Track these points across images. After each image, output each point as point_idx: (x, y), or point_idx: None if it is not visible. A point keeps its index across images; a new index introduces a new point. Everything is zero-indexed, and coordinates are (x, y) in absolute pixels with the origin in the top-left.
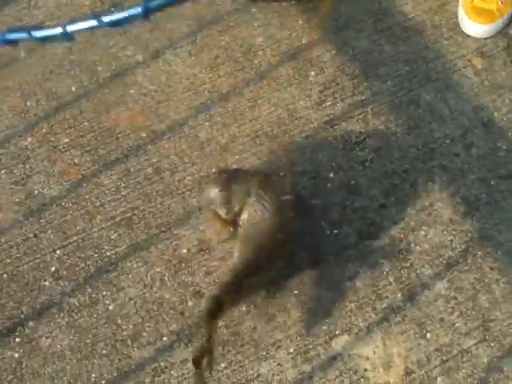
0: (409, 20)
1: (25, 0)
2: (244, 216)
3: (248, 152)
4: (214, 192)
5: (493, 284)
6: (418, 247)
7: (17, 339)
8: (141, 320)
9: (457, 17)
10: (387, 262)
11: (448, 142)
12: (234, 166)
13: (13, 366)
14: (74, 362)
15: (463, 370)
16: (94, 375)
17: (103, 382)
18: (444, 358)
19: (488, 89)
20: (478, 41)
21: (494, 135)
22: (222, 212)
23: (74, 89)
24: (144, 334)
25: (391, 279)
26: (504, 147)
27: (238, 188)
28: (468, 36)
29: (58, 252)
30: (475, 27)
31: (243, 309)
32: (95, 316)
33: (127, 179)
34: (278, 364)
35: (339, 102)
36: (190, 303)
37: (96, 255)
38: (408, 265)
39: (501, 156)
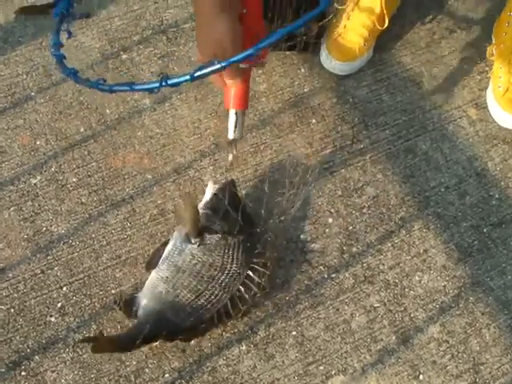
0: (407, 71)
1: (38, 41)
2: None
3: (249, 197)
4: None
5: (484, 328)
6: (412, 292)
7: (22, 373)
8: (144, 357)
9: (453, 69)
10: (382, 305)
11: (443, 190)
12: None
13: None
14: None
15: None
16: None
17: None
18: None
19: (482, 139)
20: (473, 92)
21: (487, 184)
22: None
23: (82, 129)
24: (146, 370)
25: (386, 322)
26: (496, 196)
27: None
28: (464, 87)
29: (64, 289)
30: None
31: (243, 348)
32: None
33: (133, 219)
34: None
35: (339, 150)
36: (192, 342)
37: (101, 293)
38: (402, 309)
39: (493, 204)
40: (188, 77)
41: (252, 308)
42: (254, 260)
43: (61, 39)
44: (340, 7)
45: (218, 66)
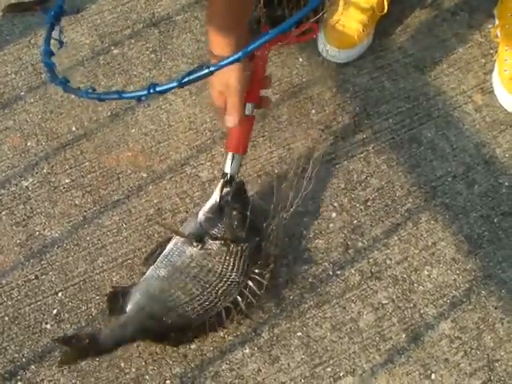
0: (409, 56)
1: (26, 39)
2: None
3: (249, 192)
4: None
5: (497, 323)
6: (421, 287)
7: (19, 383)
8: (144, 363)
9: (457, 52)
10: (390, 302)
11: (450, 179)
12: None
13: None
14: None
15: None
16: None
17: None
18: None
19: (489, 125)
20: (477, 77)
21: (496, 172)
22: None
23: (74, 128)
24: (147, 377)
25: (395, 320)
26: (506, 184)
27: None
28: (468, 72)
29: (59, 294)
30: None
31: (247, 351)
32: (97, 359)
33: (129, 220)
34: None
35: (340, 141)
36: (192, 346)
37: (98, 297)
38: (411, 305)
39: (503, 193)
40: (176, 83)
41: (246, 317)
42: (256, 270)
43: (52, 48)
44: None
45: (206, 71)
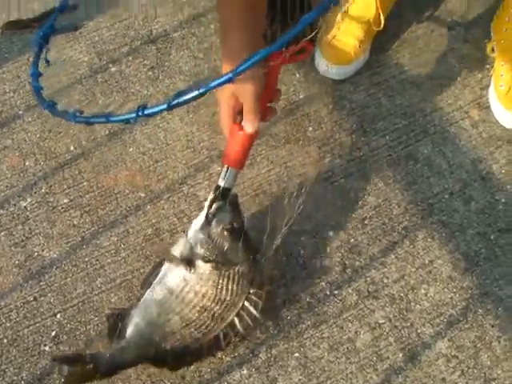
0: (405, 72)
1: (25, 57)
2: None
3: (247, 212)
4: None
5: (494, 341)
6: (418, 306)
7: None
8: None
9: (453, 68)
10: (387, 321)
11: (447, 196)
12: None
13: None
14: None
15: None
16: None
17: None
18: None
19: (486, 141)
20: (474, 92)
21: (493, 188)
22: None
23: (72, 148)
24: None
25: (392, 339)
26: (503, 200)
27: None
28: (465, 87)
29: (58, 316)
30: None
31: (244, 372)
32: (96, 381)
33: (127, 241)
34: None
35: (337, 159)
36: (191, 367)
37: (96, 319)
38: (408, 324)
39: (500, 210)
40: (165, 105)
41: (244, 339)
42: (252, 291)
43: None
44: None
45: (195, 93)
